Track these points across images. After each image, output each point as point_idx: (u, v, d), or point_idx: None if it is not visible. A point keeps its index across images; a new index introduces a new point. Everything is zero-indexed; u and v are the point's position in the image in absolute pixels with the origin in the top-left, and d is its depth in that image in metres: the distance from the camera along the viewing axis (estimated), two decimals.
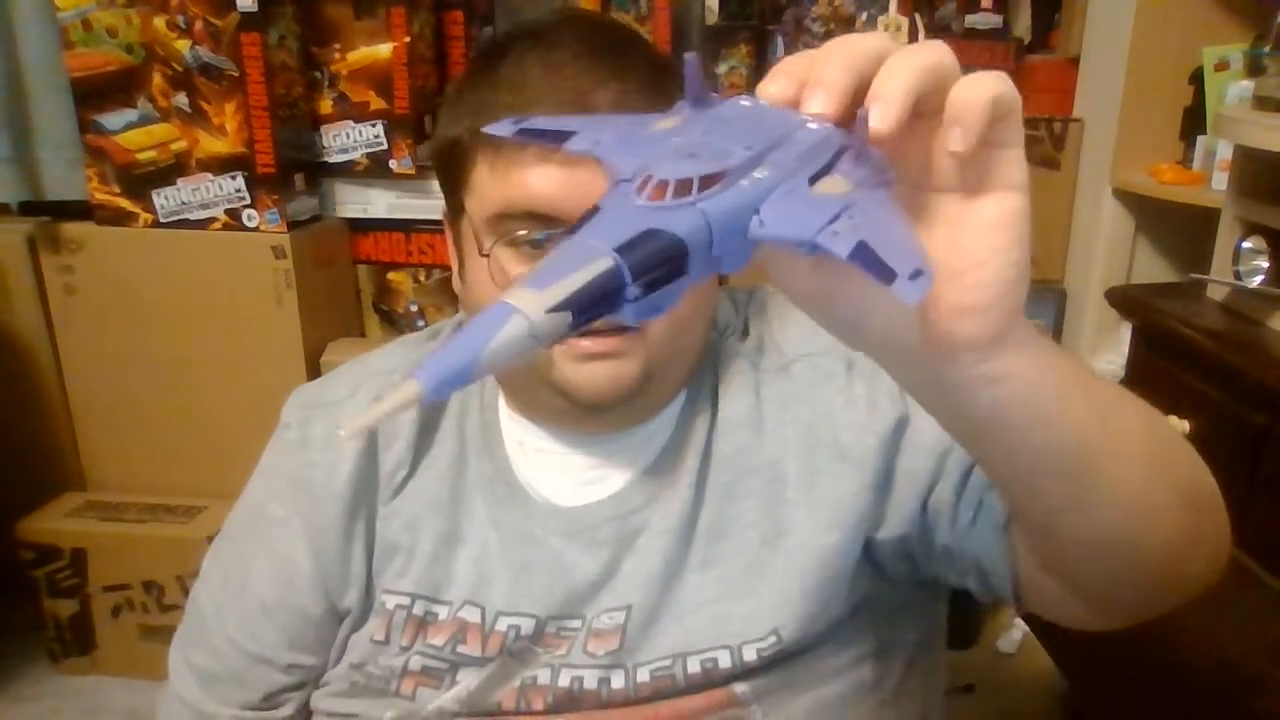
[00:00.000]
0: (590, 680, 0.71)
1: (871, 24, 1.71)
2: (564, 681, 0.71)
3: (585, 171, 0.60)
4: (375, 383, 0.76)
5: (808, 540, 0.70)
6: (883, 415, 0.70)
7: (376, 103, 1.78)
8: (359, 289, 1.95)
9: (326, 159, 1.82)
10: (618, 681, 0.70)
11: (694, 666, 0.69)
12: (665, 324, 0.65)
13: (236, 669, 0.76)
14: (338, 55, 1.77)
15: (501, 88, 0.63)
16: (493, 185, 0.63)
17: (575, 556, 0.72)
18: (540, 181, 0.62)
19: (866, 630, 0.73)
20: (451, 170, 0.67)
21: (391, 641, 0.73)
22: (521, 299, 0.33)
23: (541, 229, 0.63)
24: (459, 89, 0.68)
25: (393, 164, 1.80)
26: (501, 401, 0.75)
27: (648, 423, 0.73)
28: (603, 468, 0.73)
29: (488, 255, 0.65)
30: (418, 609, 0.72)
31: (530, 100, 0.61)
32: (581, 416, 0.70)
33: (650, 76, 0.64)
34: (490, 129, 0.45)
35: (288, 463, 0.76)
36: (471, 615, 0.72)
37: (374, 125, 1.79)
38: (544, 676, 0.71)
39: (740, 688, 0.70)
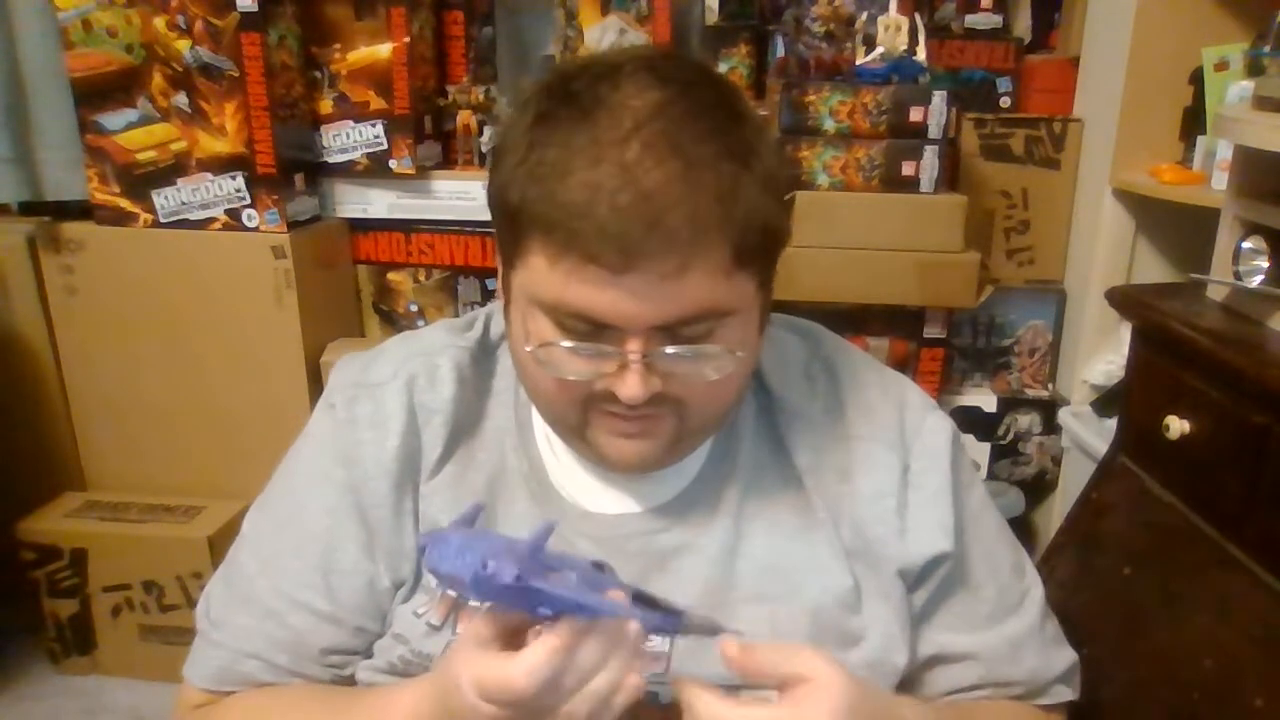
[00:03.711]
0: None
1: (872, 24, 1.70)
2: None
3: (636, 282, 0.60)
4: (414, 365, 0.77)
5: (881, 650, 0.74)
6: (918, 546, 0.76)
7: (376, 103, 1.78)
8: (359, 289, 1.95)
9: (326, 159, 1.82)
10: (666, 697, 0.71)
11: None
12: (702, 399, 0.68)
13: (297, 626, 0.75)
14: (338, 55, 1.77)
15: (575, 156, 0.60)
16: (549, 281, 0.62)
17: (607, 560, 0.73)
18: (598, 300, 0.61)
19: None
20: (505, 227, 0.65)
21: (425, 618, 0.74)
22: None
23: (593, 332, 0.63)
24: (528, 130, 0.62)
25: (393, 164, 1.80)
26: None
27: (675, 466, 0.75)
28: (630, 485, 0.75)
29: (531, 346, 0.65)
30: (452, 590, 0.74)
31: (597, 200, 0.58)
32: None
33: (728, 186, 0.61)
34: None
35: (337, 440, 0.76)
36: None
37: (374, 125, 1.79)
38: None
39: None
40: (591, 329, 0.63)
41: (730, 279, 0.63)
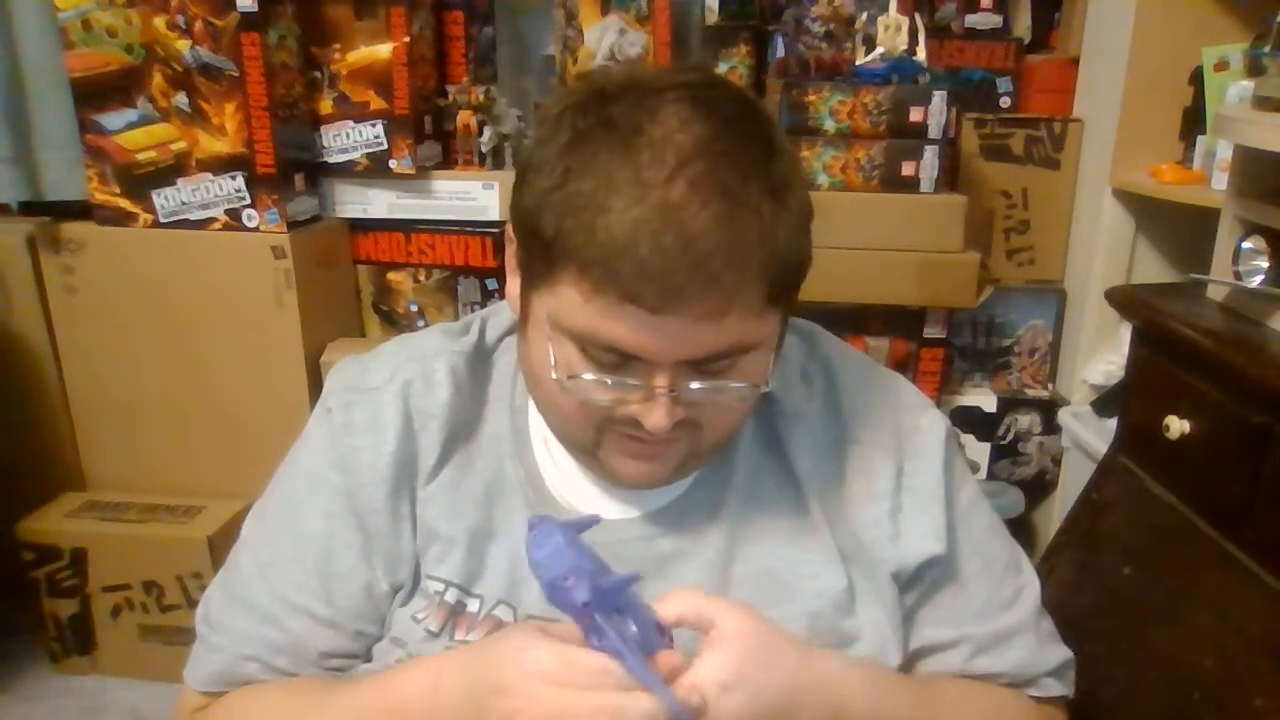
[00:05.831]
0: None
1: (872, 24, 1.70)
2: None
3: (674, 323, 0.60)
4: (409, 369, 0.77)
5: (875, 651, 0.74)
6: (911, 549, 0.76)
7: (376, 103, 1.78)
8: (359, 289, 1.95)
9: (326, 159, 1.82)
10: None
11: None
12: (720, 422, 0.68)
13: (296, 630, 0.75)
14: (338, 55, 1.77)
15: (616, 191, 0.58)
16: (582, 314, 0.61)
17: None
18: (633, 337, 0.61)
19: None
20: (534, 252, 0.63)
21: (423, 623, 0.74)
22: None
23: (620, 363, 0.63)
24: (562, 153, 0.61)
25: (393, 164, 1.80)
26: (531, 405, 0.76)
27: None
28: (628, 491, 0.75)
29: (558, 375, 0.65)
30: (450, 596, 0.74)
31: (640, 239, 0.57)
32: None
33: (769, 226, 0.60)
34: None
35: (332, 445, 0.76)
36: (505, 614, 0.74)
37: (374, 125, 1.79)
38: None
39: None
40: (619, 360, 0.63)
41: (762, 317, 0.63)
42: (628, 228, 0.57)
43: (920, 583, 0.77)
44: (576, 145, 0.61)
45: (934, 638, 0.78)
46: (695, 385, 0.63)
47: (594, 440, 0.69)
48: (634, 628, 0.61)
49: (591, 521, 0.65)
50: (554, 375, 0.65)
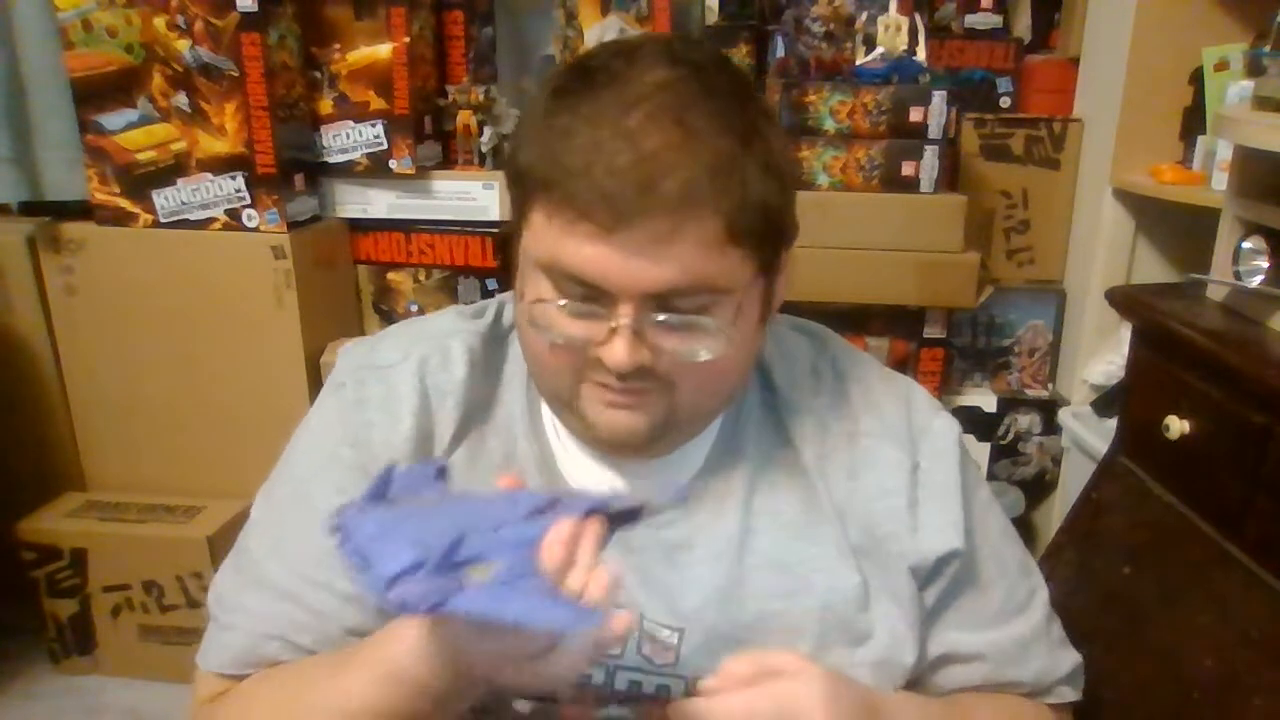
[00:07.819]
0: (649, 686, 0.72)
1: (872, 24, 1.70)
2: (620, 685, 0.72)
3: (627, 243, 0.61)
4: (425, 347, 0.77)
5: (889, 649, 0.74)
6: (930, 542, 0.76)
7: (376, 103, 1.78)
8: (359, 289, 1.95)
9: (326, 159, 1.82)
10: (677, 690, 0.72)
11: None
12: (694, 382, 0.67)
13: (318, 607, 0.74)
14: (338, 55, 1.77)
15: (581, 122, 0.62)
16: (547, 237, 0.64)
17: (610, 552, 0.73)
18: (589, 257, 0.62)
19: None
20: (517, 189, 0.67)
21: None
22: None
23: (587, 295, 0.64)
24: (545, 102, 0.65)
25: (393, 164, 1.80)
26: None
27: (675, 453, 0.75)
28: (637, 474, 0.75)
29: (535, 300, 0.66)
30: None
31: (596, 160, 0.60)
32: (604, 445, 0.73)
33: (725, 161, 0.62)
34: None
35: (346, 420, 0.76)
36: None
37: (374, 125, 1.79)
38: (599, 676, 0.72)
39: None
40: (586, 292, 0.63)
41: (724, 254, 0.63)
42: (586, 151, 0.61)
43: (939, 579, 0.77)
44: (557, 94, 0.65)
45: (956, 643, 0.78)
46: (659, 318, 0.63)
47: (571, 389, 0.69)
48: (501, 565, 0.55)
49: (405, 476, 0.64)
50: (523, 302, 0.67)
